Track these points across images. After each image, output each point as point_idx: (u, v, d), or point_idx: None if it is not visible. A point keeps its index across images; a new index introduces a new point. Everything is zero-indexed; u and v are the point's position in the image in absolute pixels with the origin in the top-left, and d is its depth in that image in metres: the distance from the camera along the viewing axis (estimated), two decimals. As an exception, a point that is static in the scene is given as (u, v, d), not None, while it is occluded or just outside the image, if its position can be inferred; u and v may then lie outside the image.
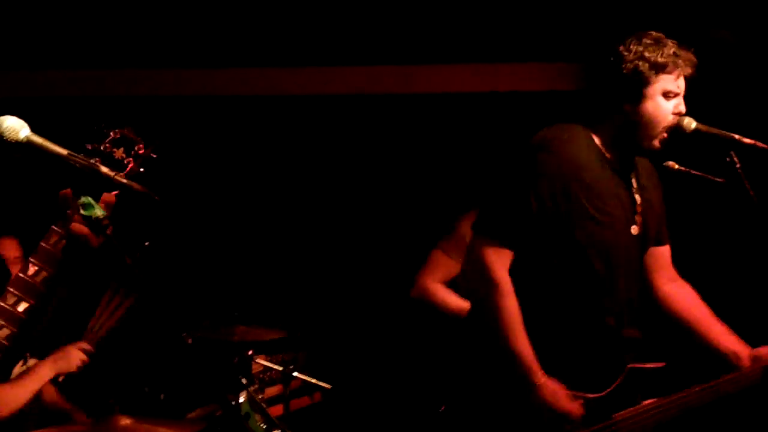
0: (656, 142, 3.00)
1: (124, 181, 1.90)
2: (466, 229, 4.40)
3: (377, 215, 5.50)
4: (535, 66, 5.50)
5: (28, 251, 3.41)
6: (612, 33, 3.03)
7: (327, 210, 5.50)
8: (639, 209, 3.08)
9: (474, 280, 2.97)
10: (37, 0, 5.06)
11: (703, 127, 3.05)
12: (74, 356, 3.47)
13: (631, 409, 2.97)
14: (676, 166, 3.33)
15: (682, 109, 2.99)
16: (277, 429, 4.12)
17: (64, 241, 2.01)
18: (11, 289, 2.02)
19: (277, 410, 4.40)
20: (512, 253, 2.92)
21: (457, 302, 4.36)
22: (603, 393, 2.95)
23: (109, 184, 1.90)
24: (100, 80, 5.33)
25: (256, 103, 5.48)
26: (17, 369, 3.53)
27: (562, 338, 2.96)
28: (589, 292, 2.98)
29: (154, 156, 2.17)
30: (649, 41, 2.95)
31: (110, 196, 1.99)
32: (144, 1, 5.17)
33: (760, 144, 3.07)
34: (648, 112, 2.96)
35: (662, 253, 3.24)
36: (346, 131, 5.52)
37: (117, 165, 2.07)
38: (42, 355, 3.60)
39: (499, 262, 2.91)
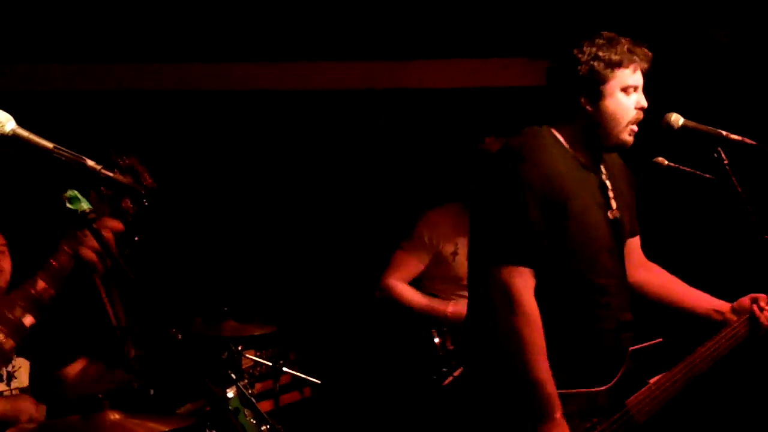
0: (625, 136, 3.02)
1: (111, 174, 1.90)
2: (425, 229, 4.47)
3: (363, 212, 5.51)
4: (498, 61, 5.50)
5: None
6: (589, 29, 3.05)
7: (312, 207, 5.51)
8: (612, 194, 3.11)
9: (497, 306, 2.90)
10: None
11: (690, 124, 3.08)
12: (28, 410, 3.42)
13: (642, 391, 3.03)
14: (666, 163, 3.35)
15: (644, 103, 3.01)
16: (267, 424, 4.12)
17: (73, 261, 2.03)
18: (19, 302, 2.06)
19: (267, 405, 4.40)
20: (533, 273, 2.90)
21: (422, 300, 4.40)
22: (612, 383, 2.99)
23: (97, 176, 1.90)
24: (87, 74, 5.30)
25: (241, 98, 5.47)
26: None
27: (564, 337, 2.97)
28: (583, 286, 3.00)
29: (156, 186, 2.20)
30: (601, 41, 2.99)
31: (117, 223, 2.01)
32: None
33: (747, 140, 3.09)
34: (609, 109, 2.99)
35: (634, 244, 3.30)
36: (311, 129, 5.52)
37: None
38: (32, 357, 3.59)
39: (526, 287, 2.88)
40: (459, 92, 5.53)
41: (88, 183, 1.93)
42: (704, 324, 3.22)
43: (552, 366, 2.87)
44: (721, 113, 3.57)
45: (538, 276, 2.92)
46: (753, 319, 3.15)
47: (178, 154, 5.27)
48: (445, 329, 4.38)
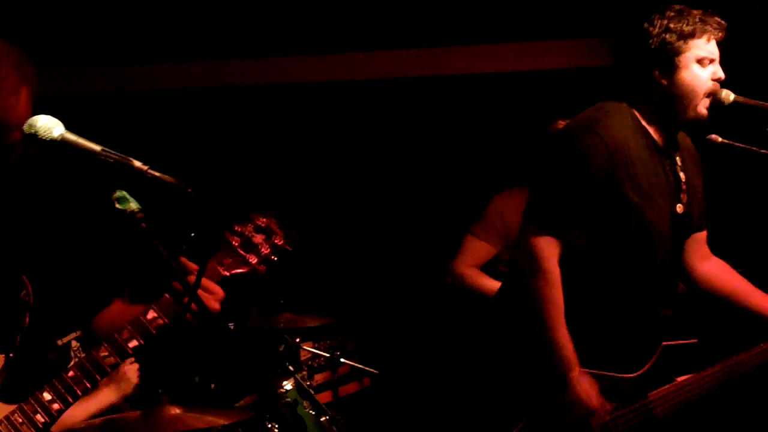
0: (701, 109, 2.96)
1: (157, 174, 1.91)
2: (495, 213, 4.40)
3: (415, 201, 5.49)
4: (563, 43, 5.44)
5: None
6: (642, 6, 3.00)
7: (368, 197, 5.50)
8: (684, 187, 3.05)
9: (523, 268, 2.96)
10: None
11: (742, 99, 3.01)
12: (133, 376, 3.51)
13: (667, 386, 2.99)
14: (720, 139, 3.29)
15: (721, 75, 2.95)
16: (326, 415, 4.14)
17: (186, 299, 2.13)
18: (129, 327, 2.23)
19: (326, 396, 4.42)
20: (562, 242, 2.91)
21: (493, 285, 4.34)
22: (638, 372, 2.96)
23: (143, 177, 1.91)
24: (125, 75, 5.35)
25: (291, 91, 5.47)
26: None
27: (599, 319, 2.96)
28: (628, 273, 2.98)
29: (290, 249, 2.27)
30: (672, 13, 2.94)
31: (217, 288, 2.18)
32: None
33: (802, 114, 3.02)
34: (684, 82, 2.93)
35: (700, 237, 3.24)
36: (379, 117, 5.50)
37: (253, 249, 2.34)
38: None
39: (549, 250, 2.90)
40: (527, 75, 5.47)
41: (136, 184, 1.95)
42: (757, 326, 3.16)
43: (581, 344, 2.87)
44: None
45: (582, 250, 2.91)
46: None
47: (231, 148, 5.30)
48: None
